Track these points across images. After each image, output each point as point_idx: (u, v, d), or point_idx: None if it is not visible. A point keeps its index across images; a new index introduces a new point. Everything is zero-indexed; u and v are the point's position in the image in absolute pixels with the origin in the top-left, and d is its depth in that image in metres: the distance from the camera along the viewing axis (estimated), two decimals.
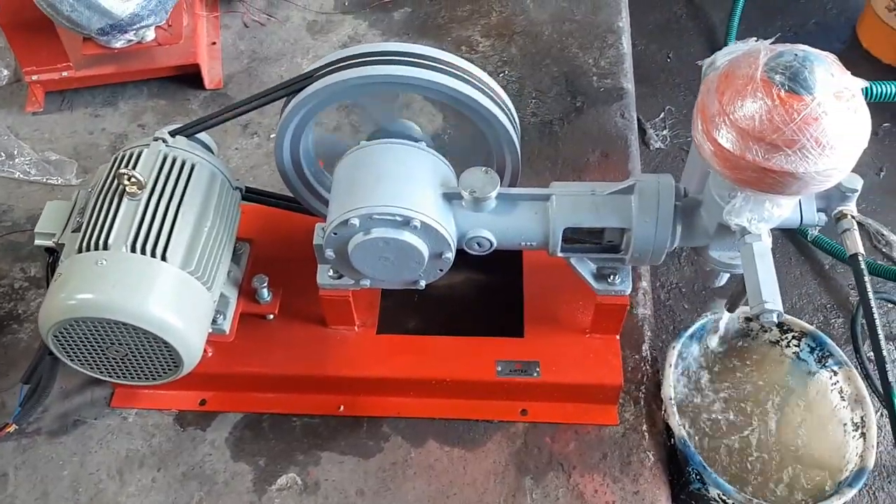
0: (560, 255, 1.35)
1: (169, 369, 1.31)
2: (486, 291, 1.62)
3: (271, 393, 1.51)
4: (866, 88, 1.28)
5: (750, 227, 1.20)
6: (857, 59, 2.63)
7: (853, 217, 1.25)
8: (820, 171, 1.07)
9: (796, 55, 1.07)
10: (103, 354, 1.29)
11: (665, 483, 1.45)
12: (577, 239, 1.36)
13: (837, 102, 1.06)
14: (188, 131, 1.42)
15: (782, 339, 1.61)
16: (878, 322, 1.19)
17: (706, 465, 1.40)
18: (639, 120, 2.35)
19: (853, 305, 2.02)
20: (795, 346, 1.60)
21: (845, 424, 1.52)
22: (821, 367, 1.57)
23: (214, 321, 1.41)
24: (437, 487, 1.41)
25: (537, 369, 1.45)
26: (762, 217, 1.19)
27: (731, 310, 1.48)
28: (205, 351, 1.35)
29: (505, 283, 1.60)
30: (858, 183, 1.24)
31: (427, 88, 1.30)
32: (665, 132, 2.42)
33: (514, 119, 1.40)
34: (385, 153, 1.31)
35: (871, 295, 1.19)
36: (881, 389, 1.28)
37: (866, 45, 2.65)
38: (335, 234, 1.27)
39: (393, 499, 1.41)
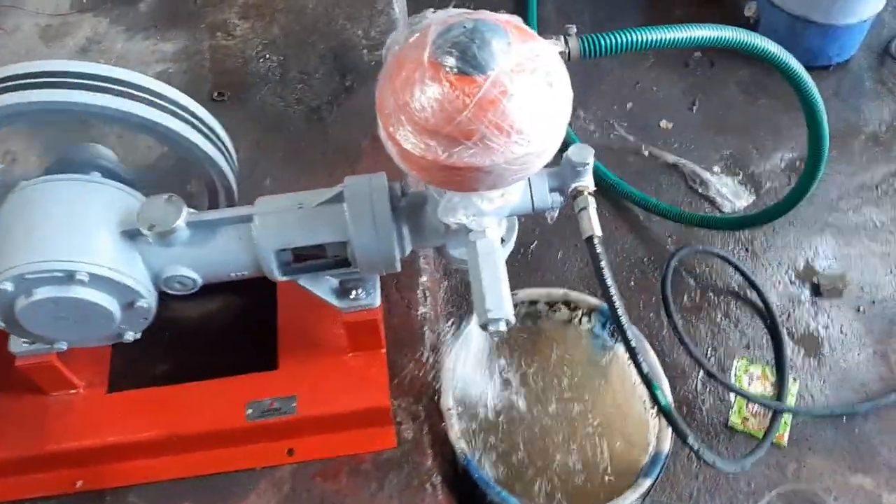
0: (284, 279, 1.17)
1: None
2: (246, 318, 1.44)
3: None
4: (582, 45, 1.13)
5: (469, 224, 1.05)
6: None
7: (589, 194, 1.10)
8: (512, 159, 0.91)
9: (465, 28, 0.90)
10: None
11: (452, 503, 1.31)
12: (304, 256, 1.19)
13: (520, 77, 0.89)
14: None
15: (573, 318, 1.48)
16: (616, 301, 1.05)
17: (489, 480, 1.27)
18: None
19: (671, 257, 1.91)
20: (587, 322, 1.47)
21: (644, 401, 1.41)
22: (615, 342, 1.45)
23: None
24: None
25: (293, 404, 1.28)
26: (479, 212, 1.04)
27: None
28: None
29: (266, 307, 1.42)
30: (589, 155, 1.08)
31: (83, 111, 1.09)
32: None
33: (214, 134, 1.21)
34: (44, 195, 1.10)
35: (607, 277, 1.05)
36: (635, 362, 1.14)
37: None
38: None
39: None
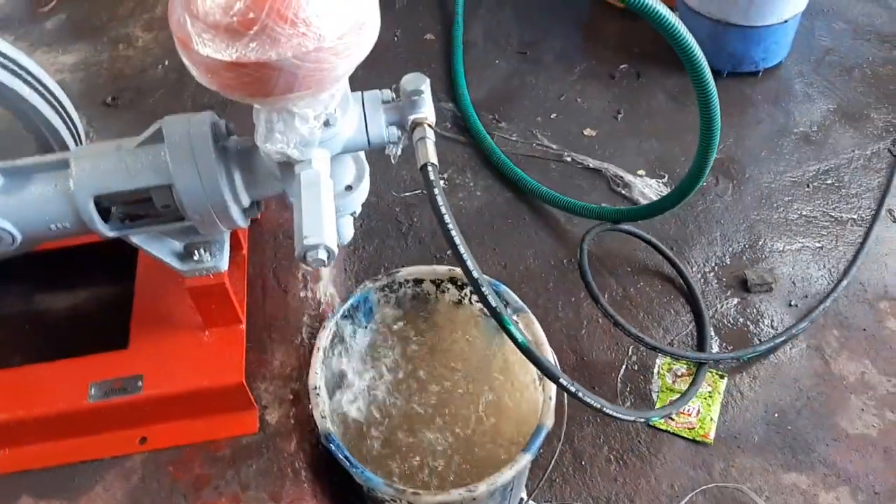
0: (112, 234, 1.09)
1: None
2: (118, 305, 1.35)
3: None
4: None
5: (293, 154, 0.97)
6: None
7: (429, 125, 1.02)
8: (302, 54, 0.84)
9: None
10: None
11: (318, 490, 1.19)
12: (137, 214, 1.11)
13: None
14: None
15: (463, 298, 1.38)
16: (454, 233, 0.97)
17: (352, 459, 1.14)
18: None
19: (587, 253, 1.81)
20: (478, 301, 1.37)
21: (534, 379, 1.30)
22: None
23: None
24: None
25: (139, 384, 1.18)
26: (302, 139, 0.96)
27: None
28: None
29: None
30: (423, 83, 1.02)
31: None
32: None
33: (45, 89, 1.16)
34: None
35: (442, 204, 0.97)
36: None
37: None
38: None
39: None
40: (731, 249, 1.87)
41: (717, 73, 2.21)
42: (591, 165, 2.03)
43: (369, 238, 1.88)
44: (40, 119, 1.14)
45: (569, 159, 2.06)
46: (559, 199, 1.90)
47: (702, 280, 1.80)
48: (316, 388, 1.21)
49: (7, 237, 1.05)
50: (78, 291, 1.38)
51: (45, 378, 1.19)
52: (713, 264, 1.84)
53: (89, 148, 1.06)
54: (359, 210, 1.14)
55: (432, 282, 1.37)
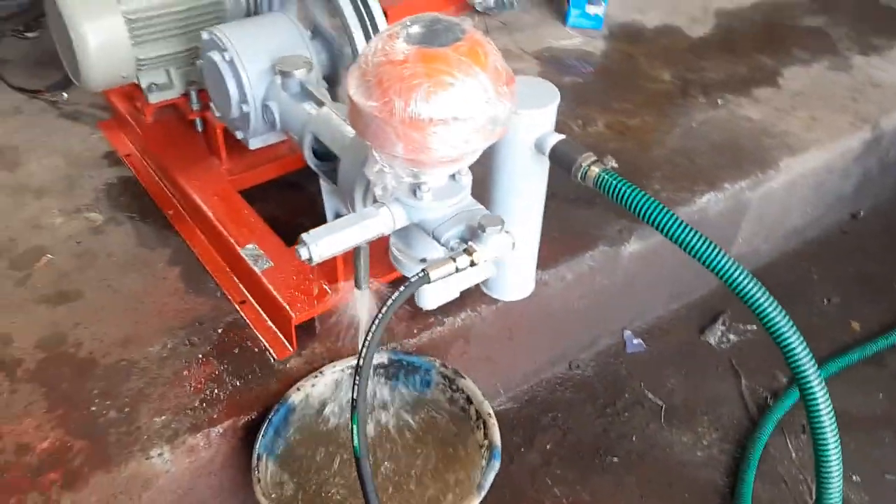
0: (311, 166, 1.43)
1: None
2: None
3: None
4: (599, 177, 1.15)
5: (376, 190, 1.17)
6: None
7: (473, 261, 1.10)
8: (373, 107, 1.03)
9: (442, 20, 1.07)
10: None
11: None
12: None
13: (425, 65, 1.02)
14: None
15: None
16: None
17: None
18: None
19: None
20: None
21: None
22: None
23: None
24: None
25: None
26: (385, 183, 1.15)
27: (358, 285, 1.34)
28: None
29: None
30: (494, 223, 1.10)
31: None
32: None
33: None
34: (276, 20, 1.58)
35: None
36: None
37: None
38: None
39: None
40: None
41: None
42: None
43: None
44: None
45: None
46: None
47: None
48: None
49: (270, 115, 1.49)
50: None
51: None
52: None
53: (340, 105, 1.41)
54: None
55: None
